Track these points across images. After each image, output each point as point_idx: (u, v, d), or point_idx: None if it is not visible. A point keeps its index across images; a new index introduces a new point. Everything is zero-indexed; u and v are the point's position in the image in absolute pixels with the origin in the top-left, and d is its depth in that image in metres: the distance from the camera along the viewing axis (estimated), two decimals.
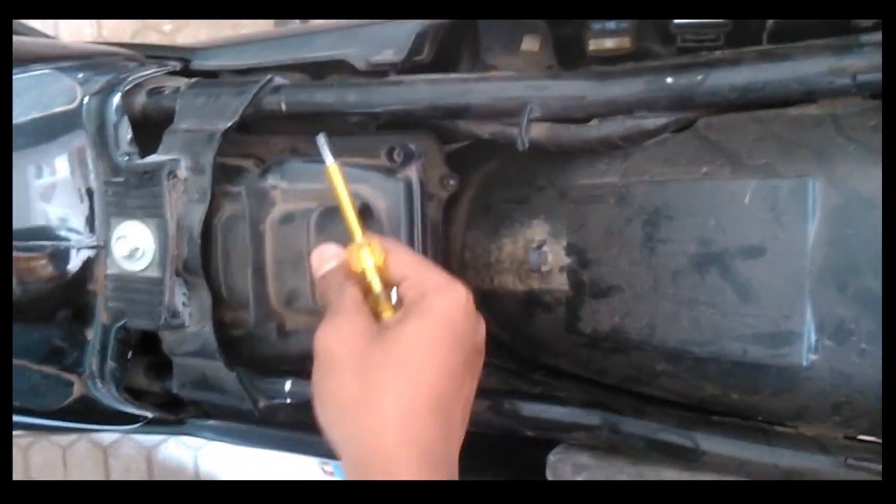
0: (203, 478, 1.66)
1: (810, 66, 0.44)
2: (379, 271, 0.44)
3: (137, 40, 1.54)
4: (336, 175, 0.46)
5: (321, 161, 0.46)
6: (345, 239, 0.47)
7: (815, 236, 0.41)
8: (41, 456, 1.75)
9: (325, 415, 0.42)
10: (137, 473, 1.71)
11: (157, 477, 1.69)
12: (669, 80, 0.47)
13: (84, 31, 1.58)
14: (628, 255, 0.47)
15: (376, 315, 0.44)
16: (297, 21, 1.06)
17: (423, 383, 0.39)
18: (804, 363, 0.42)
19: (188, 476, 1.67)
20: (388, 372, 0.39)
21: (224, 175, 0.62)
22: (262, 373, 0.60)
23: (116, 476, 1.72)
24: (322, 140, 0.46)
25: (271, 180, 0.58)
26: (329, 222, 0.56)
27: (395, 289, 0.45)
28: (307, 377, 0.61)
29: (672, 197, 0.45)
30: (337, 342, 0.42)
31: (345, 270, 0.46)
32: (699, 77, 0.47)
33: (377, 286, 0.44)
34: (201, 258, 0.56)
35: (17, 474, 1.76)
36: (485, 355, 0.45)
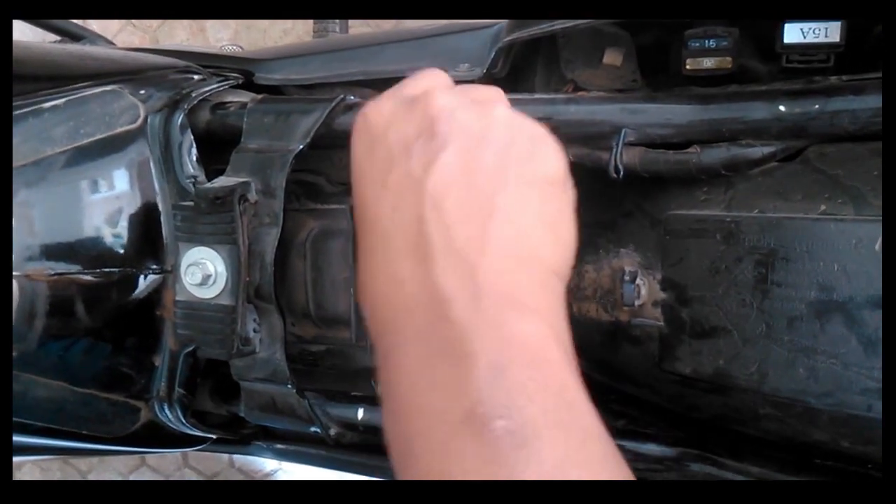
0: (237, 463, 1.67)
1: None
2: None
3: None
4: None
5: None
6: None
7: None
8: None
9: None
10: (172, 458, 1.73)
11: (191, 462, 1.71)
12: (783, 108, 0.44)
13: (111, 24, 1.55)
14: (737, 295, 0.44)
15: None
16: (336, 21, 1.02)
17: None
18: None
19: (222, 460, 1.68)
20: None
21: (305, 192, 0.60)
22: (333, 398, 0.58)
23: (152, 461, 1.74)
24: None
25: None
26: None
27: None
28: (378, 403, 0.60)
29: (789, 237, 0.42)
30: None
31: None
32: (815, 106, 0.43)
33: None
34: (276, 278, 0.54)
35: (57, 462, 1.78)
36: None
